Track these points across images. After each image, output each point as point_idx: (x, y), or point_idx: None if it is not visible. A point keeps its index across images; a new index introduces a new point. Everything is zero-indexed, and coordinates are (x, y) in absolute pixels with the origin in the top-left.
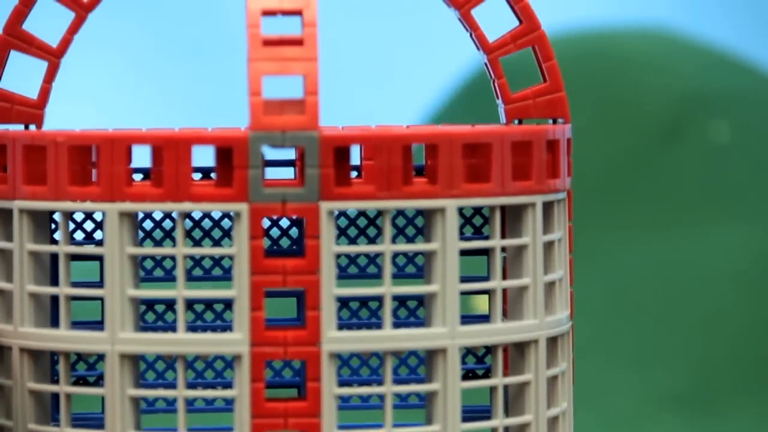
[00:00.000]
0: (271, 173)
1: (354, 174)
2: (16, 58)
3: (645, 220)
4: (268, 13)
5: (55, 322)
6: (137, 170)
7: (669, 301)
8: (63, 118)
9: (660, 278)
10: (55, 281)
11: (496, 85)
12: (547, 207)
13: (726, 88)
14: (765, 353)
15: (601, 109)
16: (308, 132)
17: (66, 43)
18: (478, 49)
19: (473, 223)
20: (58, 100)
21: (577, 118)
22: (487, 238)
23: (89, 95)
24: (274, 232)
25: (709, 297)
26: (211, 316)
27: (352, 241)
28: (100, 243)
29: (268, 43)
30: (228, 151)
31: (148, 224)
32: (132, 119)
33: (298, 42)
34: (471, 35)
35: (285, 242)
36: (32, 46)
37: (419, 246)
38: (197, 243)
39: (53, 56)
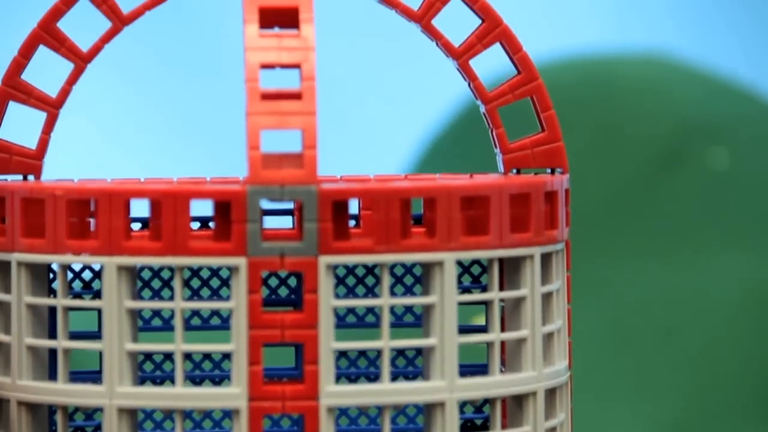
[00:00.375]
0: (269, 221)
1: (352, 223)
2: (14, 108)
3: (643, 247)
4: (266, 66)
5: (53, 374)
6: (135, 219)
7: (667, 329)
8: (63, 133)
9: (658, 306)
10: (53, 332)
11: (494, 134)
12: (546, 258)
13: (725, 115)
14: (764, 382)
15: (599, 136)
16: (307, 186)
17: (65, 93)
18: (476, 98)
19: (471, 272)
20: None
21: (575, 144)
22: (485, 287)
23: (88, 112)
24: (273, 281)
25: (708, 325)
26: (210, 365)
27: (350, 290)
28: (98, 293)
29: (267, 96)
30: (226, 205)
31: (146, 273)
32: (131, 140)
33: (296, 96)
34: (469, 85)
35: (283, 291)
36: (31, 97)
37: (417, 299)
38: (195, 292)
39: (52, 107)
